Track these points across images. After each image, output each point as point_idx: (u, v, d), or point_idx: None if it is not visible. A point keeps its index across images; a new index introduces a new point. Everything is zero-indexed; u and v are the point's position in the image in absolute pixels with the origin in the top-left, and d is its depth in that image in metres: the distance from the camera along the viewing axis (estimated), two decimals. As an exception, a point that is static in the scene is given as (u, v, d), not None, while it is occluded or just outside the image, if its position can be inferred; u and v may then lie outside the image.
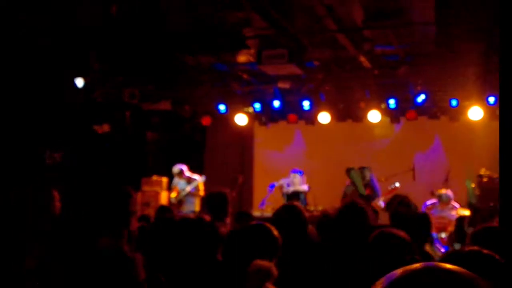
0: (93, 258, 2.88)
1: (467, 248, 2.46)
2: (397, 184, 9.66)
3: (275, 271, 2.80)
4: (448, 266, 1.09)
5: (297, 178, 10.46)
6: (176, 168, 10.58)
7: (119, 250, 2.94)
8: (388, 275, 1.10)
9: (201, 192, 10.43)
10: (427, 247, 5.00)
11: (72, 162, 10.45)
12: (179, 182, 10.56)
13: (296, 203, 4.65)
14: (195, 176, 10.54)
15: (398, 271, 1.09)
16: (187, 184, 10.48)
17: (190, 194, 10.40)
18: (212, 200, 5.69)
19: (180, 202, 10.41)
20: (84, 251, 3.24)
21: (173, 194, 10.62)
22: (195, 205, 10.19)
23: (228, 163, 12.77)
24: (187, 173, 10.57)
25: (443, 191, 9.21)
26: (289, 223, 3.92)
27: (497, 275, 2.28)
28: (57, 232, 3.97)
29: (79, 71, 9.51)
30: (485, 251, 2.37)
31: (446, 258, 2.42)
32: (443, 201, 9.07)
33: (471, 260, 2.32)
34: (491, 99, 10.43)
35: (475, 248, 2.46)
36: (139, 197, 10.99)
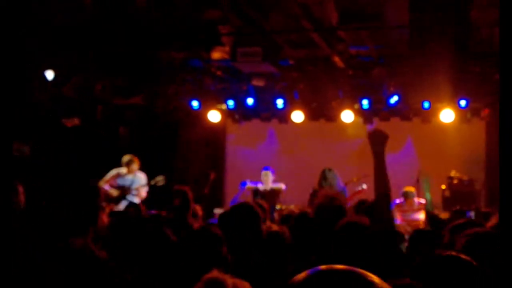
0: (62, 258, 2.80)
1: (445, 253, 2.48)
2: (364, 186, 9.71)
3: (230, 283, 2.72)
4: (371, 275, 1.11)
5: (268, 175, 10.38)
6: (127, 158, 9.50)
7: (89, 250, 2.86)
8: (312, 268, 1.13)
9: (143, 193, 9.46)
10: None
11: (41, 155, 10.26)
12: (121, 177, 9.50)
13: (250, 201, 4.62)
14: (140, 174, 9.61)
15: (323, 267, 1.13)
16: (129, 182, 9.47)
17: (133, 190, 9.47)
18: (174, 197, 5.66)
19: (118, 199, 9.40)
20: (51, 250, 3.15)
21: (102, 183, 9.37)
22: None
23: (200, 159, 12.71)
24: (135, 169, 9.55)
25: (407, 188, 9.33)
26: (239, 222, 3.84)
27: (473, 280, 2.30)
28: (20, 228, 3.88)
29: (50, 64, 9.33)
30: (463, 256, 2.40)
31: (424, 261, 2.43)
32: (408, 197, 9.19)
33: (449, 265, 2.35)
34: (463, 102, 10.57)
35: (453, 253, 2.48)
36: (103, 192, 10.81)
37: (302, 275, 1.12)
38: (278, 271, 3.66)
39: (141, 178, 9.59)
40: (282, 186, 10.40)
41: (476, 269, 2.32)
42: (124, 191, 9.48)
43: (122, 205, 9.32)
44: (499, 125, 2.31)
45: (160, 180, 9.68)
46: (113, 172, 9.59)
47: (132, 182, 9.52)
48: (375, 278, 1.11)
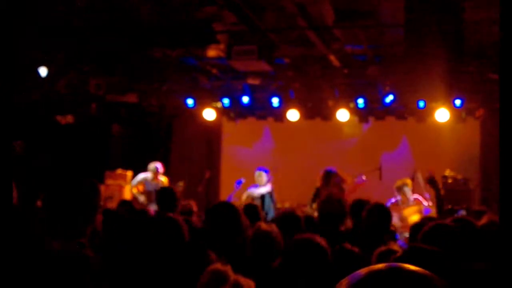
0: (45, 260, 2.77)
1: (413, 245, 2.51)
2: (364, 177, 9.62)
3: (232, 274, 2.77)
4: (411, 267, 1.11)
5: (262, 176, 10.24)
6: (152, 166, 10.14)
7: (74, 252, 2.83)
8: (352, 274, 1.11)
9: None
10: (394, 246, 5.02)
11: (33, 152, 10.22)
12: (148, 182, 10.15)
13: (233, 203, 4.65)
14: (162, 178, 10.18)
15: (363, 271, 1.10)
16: (154, 187, 9.96)
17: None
18: (161, 195, 5.78)
19: (148, 203, 9.89)
20: (37, 253, 3.12)
21: (134, 190, 10.24)
22: None
23: (195, 158, 12.69)
24: (160, 175, 10.17)
25: (399, 181, 9.24)
26: (223, 223, 3.88)
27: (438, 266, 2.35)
28: (12, 227, 3.84)
29: (43, 60, 9.28)
30: (428, 247, 2.44)
31: (407, 253, 2.45)
32: (403, 193, 9.09)
33: (433, 257, 2.38)
34: (458, 102, 10.59)
35: (420, 245, 2.51)
36: (102, 190, 10.81)
37: (343, 284, 1.10)
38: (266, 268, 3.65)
39: (164, 183, 10.04)
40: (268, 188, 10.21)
41: (442, 256, 2.37)
42: (151, 196, 9.90)
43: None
44: (499, 125, 2.30)
45: (179, 186, 10.20)
46: (140, 177, 10.20)
47: (157, 187, 9.90)
48: (416, 269, 1.11)
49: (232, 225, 3.83)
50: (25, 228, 3.09)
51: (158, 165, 10.14)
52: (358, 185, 9.60)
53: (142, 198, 10.08)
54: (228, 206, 4.07)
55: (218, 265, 2.84)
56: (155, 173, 10.07)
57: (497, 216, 4.78)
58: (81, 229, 3.69)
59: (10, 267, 2.53)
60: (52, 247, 2.69)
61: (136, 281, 3.63)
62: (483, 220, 4.59)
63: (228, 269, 2.82)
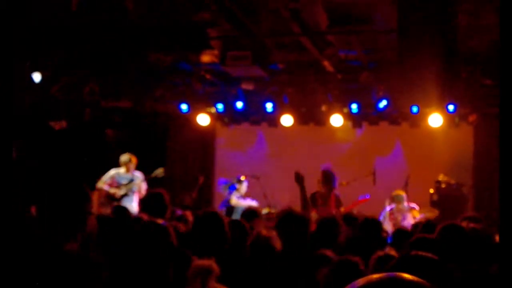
0: (58, 263, 2.77)
1: (412, 253, 2.52)
2: (368, 196, 9.59)
3: (216, 268, 2.82)
4: (409, 276, 1.11)
5: (243, 185, 10.23)
6: (125, 157, 9.75)
7: (85, 256, 2.84)
8: (350, 284, 1.10)
9: (142, 191, 9.63)
10: (393, 252, 5.03)
11: (26, 158, 10.18)
12: (120, 176, 9.76)
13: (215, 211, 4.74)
14: (137, 173, 9.85)
15: (361, 281, 1.10)
16: (128, 180, 9.73)
17: (131, 192, 9.73)
18: (149, 200, 5.80)
19: (119, 198, 9.65)
20: (45, 256, 3.11)
21: (101, 184, 9.74)
22: (133, 205, 9.44)
23: (190, 163, 12.67)
24: (133, 168, 9.80)
25: (396, 192, 9.38)
26: (210, 233, 3.95)
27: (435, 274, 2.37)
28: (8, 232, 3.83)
29: (37, 65, 9.26)
30: (427, 255, 2.46)
31: (402, 260, 2.46)
32: (398, 201, 9.22)
33: (415, 263, 2.40)
34: (451, 107, 10.63)
35: (419, 253, 2.53)
36: (96, 196, 10.76)
37: None
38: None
39: (138, 176, 9.82)
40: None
41: (439, 264, 2.42)
42: (124, 189, 9.72)
43: (123, 203, 9.28)
44: (499, 127, 2.32)
45: (159, 172, 10.01)
46: (112, 172, 9.85)
47: (131, 180, 9.76)
48: (413, 278, 1.11)
49: (216, 233, 3.92)
50: (31, 232, 3.08)
51: (131, 157, 9.80)
52: (362, 201, 9.56)
53: (116, 192, 9.69)
54: (212, 216, 4.14)
55: (203, 261, 2.91)
56: (127, 165, 9.74)
57: (478, 223, 4.84)
58: (72, 234, 3.69)
59: (31, 267, 2.54)
60: (70, 249, 2.70)
61: (128, 284, 3.64)
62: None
63: (212, 262, 2.90)
